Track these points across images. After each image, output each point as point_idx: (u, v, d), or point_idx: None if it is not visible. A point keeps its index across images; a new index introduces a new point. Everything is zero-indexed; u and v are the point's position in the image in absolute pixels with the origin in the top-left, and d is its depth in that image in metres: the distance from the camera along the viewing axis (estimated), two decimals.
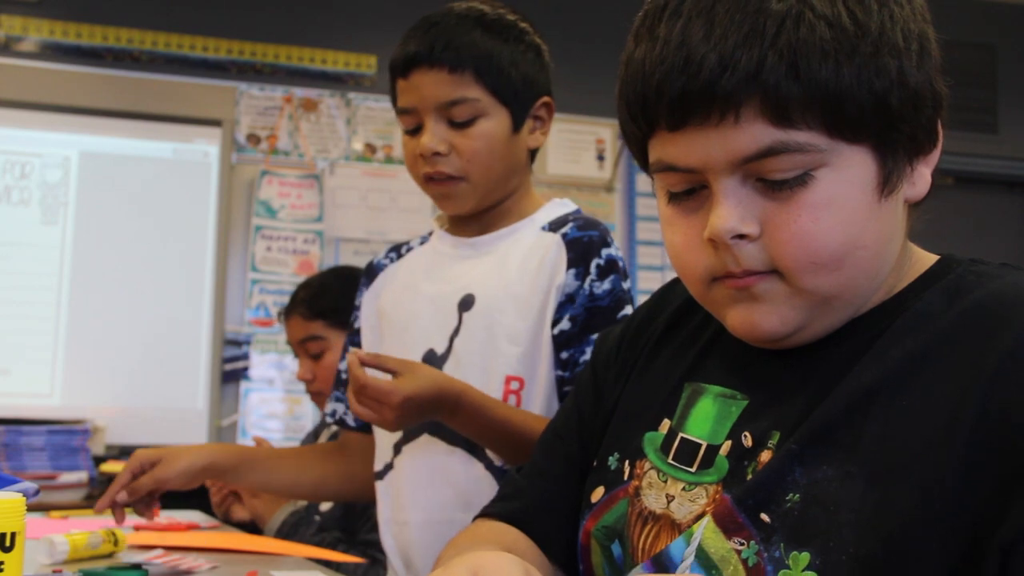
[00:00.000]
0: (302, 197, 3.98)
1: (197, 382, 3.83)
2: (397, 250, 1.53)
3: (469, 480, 1.32)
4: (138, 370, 3.78)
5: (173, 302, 3.85)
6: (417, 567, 1.34)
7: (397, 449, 1.38)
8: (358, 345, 1.50)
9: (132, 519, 1.69)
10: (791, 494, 0.75)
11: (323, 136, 4.07)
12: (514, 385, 1.31)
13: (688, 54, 0.75)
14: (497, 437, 1.27)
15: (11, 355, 3.70)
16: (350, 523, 2.06)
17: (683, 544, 0.80)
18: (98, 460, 3.45)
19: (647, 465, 0.88)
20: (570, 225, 1.36)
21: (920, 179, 0.81)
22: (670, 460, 0.86)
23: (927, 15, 0.81)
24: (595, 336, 1.27)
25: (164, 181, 3.90)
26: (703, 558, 0.78)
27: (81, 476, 3.38)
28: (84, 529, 1.27)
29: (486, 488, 1.29)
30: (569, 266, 1.32)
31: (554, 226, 1.37)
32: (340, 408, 1.54)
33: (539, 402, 1.31)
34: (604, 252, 1.33)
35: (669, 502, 0.84)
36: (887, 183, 0.78)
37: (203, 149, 3.96)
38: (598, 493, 0.91)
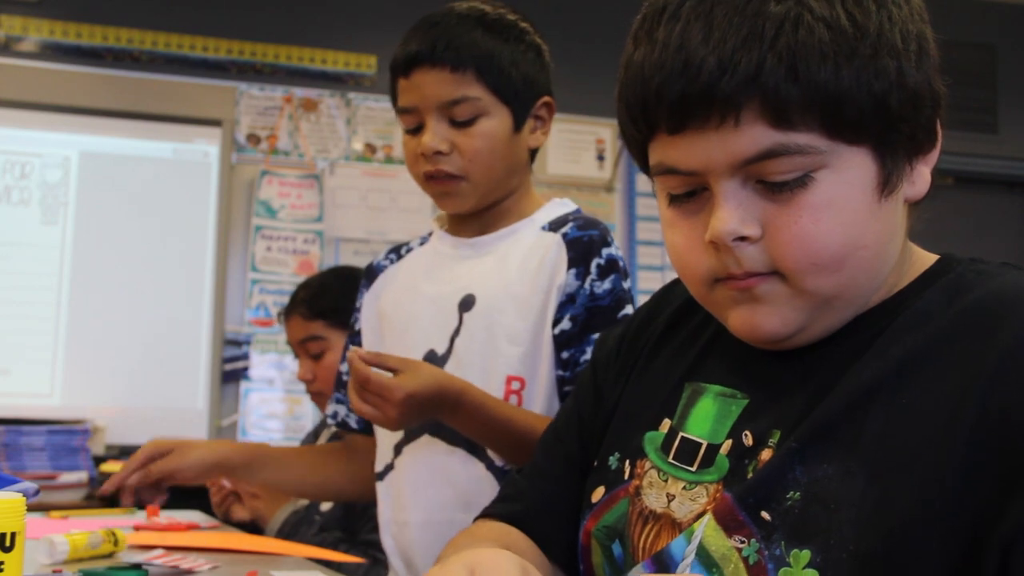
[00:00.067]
0: (302, 197, 3.98)
1: (197, 382, 3.83)
2: (397, 251, 1.53)
3: (469, 480, 1.32)
4: (138, 370, 3.78)
5: (173, 302, 3.85)
6: (417, 567, 1.34)
7: (398, 450, 1.39)
8: (359, 347, 1.50)
9: (132, 519, 1.69)
10: (792, 492, 0.75)
11: (323, 136, 4.07)
12: (515, 385, 1.31)
13: (687, 57, 0.75)
14: (498, 436, 1.27)
15: (11, 355, 3.70)
16: (351, 523, 2.07)
17: (684, 542, 0.80)
18: (98, 460, 3.45)
19: (648, 464, 0.88)
20: (570, 225, 1.36)
21: (920, 179, 0.82)
22: (671, 459, 0.86)
23: (925, 15, 0.81)
24: (596, 336, 1.28)
25: (164, 181, 3.90)
26: (704, 556, 0.78)
27: (81, 476, 3.38)
28: (84, 529, 1.27)
29: (486, 488, 1.29)
30: (569, 266, 1.32)
31: (554, 226, 1.38)
32: (341, 410, 1.54)
33: (540, 402, 1.31)
34: (604, 251, 1.33)
35: (670, 501, 0.84)
36: (887, 183, 0.79)
37: (203, 149, 3.96)
38: (599, 493, 0.91)
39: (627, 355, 0.99)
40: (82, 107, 3.83)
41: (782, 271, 0.78)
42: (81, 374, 3.74)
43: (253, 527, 2.18)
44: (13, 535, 0.75)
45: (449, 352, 1.35)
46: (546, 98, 1.41)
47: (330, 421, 1.58)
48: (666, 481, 0.85)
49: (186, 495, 2.03)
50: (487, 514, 1.02)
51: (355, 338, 1.52)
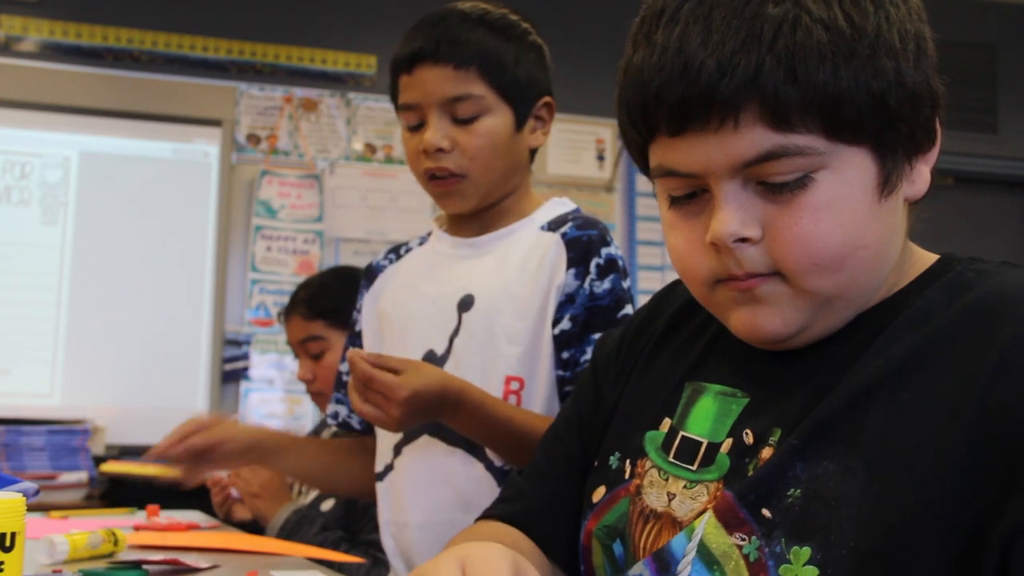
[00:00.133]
0: (302, 197, 3.98)
1: (197, 382, 3.83)
2: (396, 251, 1.53)
3: (469, 481, 1.32)
4: (138, 370, 3.78)
5: (173, 302, 3.85)
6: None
7: (397, 450, 1.39)
8: (359, 348, 1.50)
9: (132, 519, 1.69)
10: (792, 489, 0.76)
11: (323, 136, 4.07)
12: (514, 385, 1.31)
13: (686, 60, 0.76)
14: (497, 436, 1.27)
15: (11, 355, 3.70)
16: (351, 523, 2.07)
17: (684, 540, 0.80)
18: (98, 460, 3.45)
19: (648, 464, 0.88)
20: (569, 224, 1.36)
21: (920, 178, 0.82)
22: (671, 458, 0.86)
23: (923, 15, 0.81)
24: (596, 336, 1.28)
25: (164, 181, 3.90)
26: (704, 553, 0.78)
27: (81, 476, 3.38)
28: (84, 529, 1.27)
29: (486, 489, 1.29)
30: (569, 266, 1.32)
31: (553, 225, 1.38)
32: (342, 410, 1.54)
33: (539, 402, 1.31)
34: (604, 251, 1.33)
35: (670, 500, 0.84)
36: (887, 183, 0.79)
37: (203, 149, 3.96)
38: (599, 493, 0.91)
39: (627, 355, 0.99)
40: (82, 107, 3.83)
41: (783, 272, 0.79)
42: (81, 374, 3.74)
43: (254, 527, 2.18)
44: (13, 535, 0.75)
45: (448, 352, 1.35)
46: (547, 98, 1.41)
47: (331, 421, 1.57)
48: (667, 480, 0.85)
49: (186, 495, 2.03)
50: (488, 515, 1.02)
51: (355, 338, 1.52)
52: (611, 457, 0.92)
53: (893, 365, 0.76)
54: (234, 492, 2.26)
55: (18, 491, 0.81)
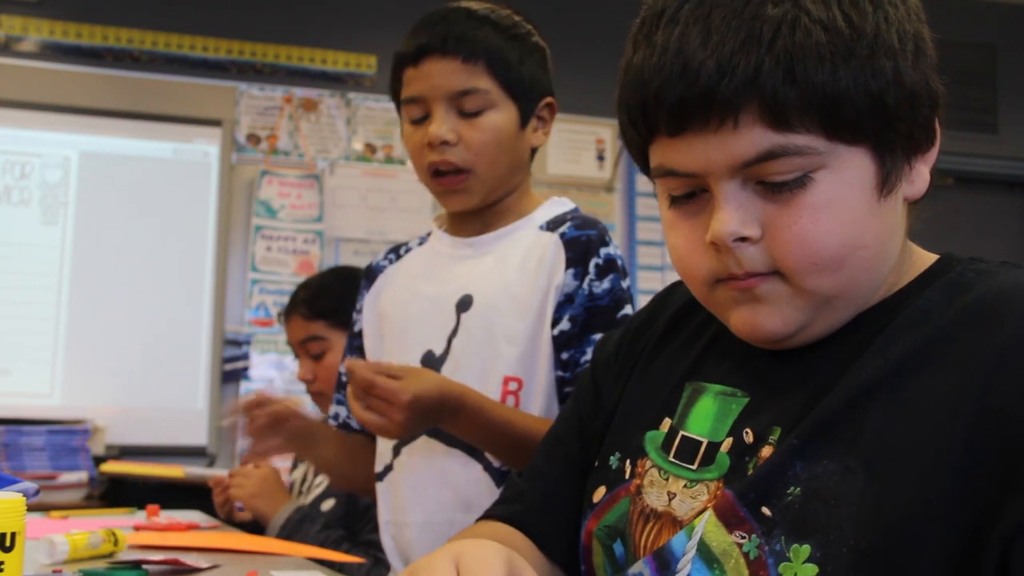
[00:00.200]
0: (302, 197, 3.98)
1: (197, 382, 3.83)
2: (396, 251, 1.53)
3: (468, 481, 1.32)
4: (138, 370, 3.78)
5: (173, 302, 3.85)
6: None
7: (396, 451, 1.39)
8: (359, 348, 1.50)
9: (132, 519, 1.69)
10: (792, 488, 0.76)
11: (323, 136, 4.07)
12: (512, 386, 1.31)
13: (686, 61, 0.76)
14: (497, 440, 1.26)
15: (11, 355, 3.70)
16: (352, 523, 2.07)
17: (684, 538, 0.80)
18: (98, 460, 3.45)
19: (648, 463, 0.88)
20: (568, 224, 1.36)
21: (919, 177, 0.82)
22: (671, 458, 0.86)
23: (922, 15, 0.81)
24: (596, 336, 1.28)
25: (164, 181, 3.90)
26: (704, 552, 0.78)
27: (81, 476, 3.38)
28: (84, 529, 1.27)
29: (485, 489, 1.29)
30: (568, 266, 1.32)
31: (552, 225, 1.38)
32: (343, 411, 1.54)
33: (538, 403, 1.31)
34: (603, 251, 1.33)
35: (671, 500, 0.84)
36: (886, 183, 0.79)
37: (203, 149, 3.96)
38: (600, 493, 0.91)
39: (627, 356, 0.99)
40: (82, 107, 3.83)
41: (782, 271, 0.79)
42: (81, 374, 3.74)
43: (255, 527, 2.18)
44: (13, 535, 0.75)
45: (447, 352, 1.35)
46: (549, 99, 1.42)
47: (332, 422, 1.57)
48: (667, 480, 0.86)
49: (186, 495, 2.03)
50: (488, 516, 1.02)
51: (356, 339, 1.52)
52: (611, 457, 0.92)
53: (893, 365, 0.76)
54: (237, 504, 2.26)
55: (18, 491, 0.81)
